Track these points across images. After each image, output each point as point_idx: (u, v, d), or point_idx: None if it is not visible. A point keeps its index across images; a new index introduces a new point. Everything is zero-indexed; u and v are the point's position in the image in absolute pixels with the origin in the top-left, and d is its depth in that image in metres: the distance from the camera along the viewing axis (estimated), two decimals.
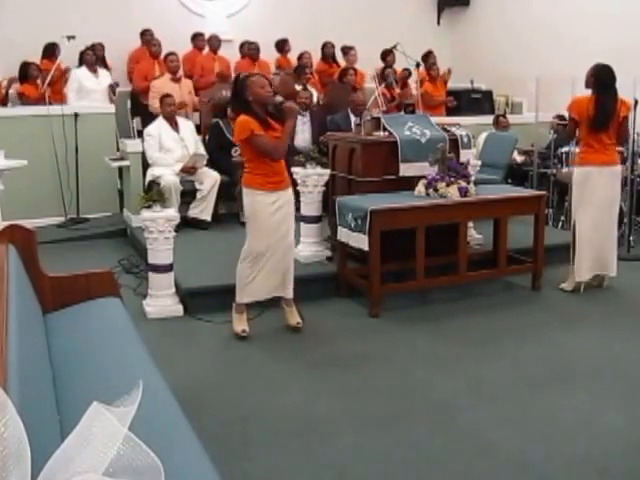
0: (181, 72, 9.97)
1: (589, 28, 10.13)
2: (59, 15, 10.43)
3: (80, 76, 9.58)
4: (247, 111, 5.15)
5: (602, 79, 6.15)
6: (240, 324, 5.45)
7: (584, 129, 6.24)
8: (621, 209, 7.78)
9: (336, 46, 11.25)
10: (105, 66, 10.34)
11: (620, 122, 6.31)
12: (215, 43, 10.83)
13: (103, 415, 1.72)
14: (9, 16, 10.45)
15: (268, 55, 11.23)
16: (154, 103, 9.13)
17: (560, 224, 8.57)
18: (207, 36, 10.90)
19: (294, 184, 6.61)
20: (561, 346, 5.27)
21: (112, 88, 9.75)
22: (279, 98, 5.17)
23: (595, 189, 6.29)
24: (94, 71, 9.70)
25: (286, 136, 5.18)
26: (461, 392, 4.52)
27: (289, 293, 5.50)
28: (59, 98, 9.56)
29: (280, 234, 5.29)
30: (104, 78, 9.82)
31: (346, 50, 11.12)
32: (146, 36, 10.66)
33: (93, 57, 9.74)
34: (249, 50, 10.93)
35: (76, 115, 8.68)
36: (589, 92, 6.26)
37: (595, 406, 4.32)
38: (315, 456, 3.76)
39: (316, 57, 11.23)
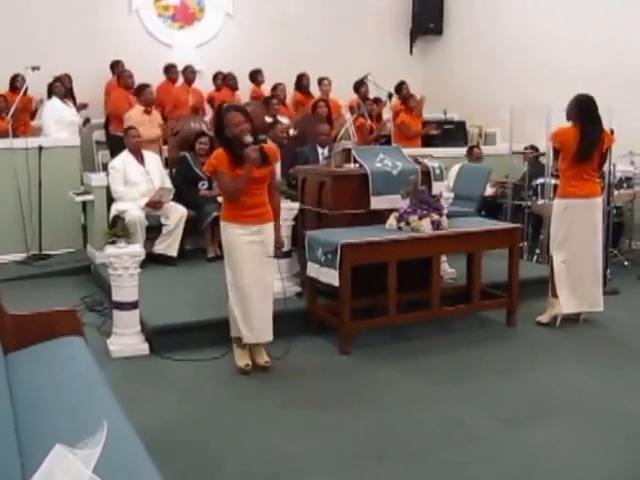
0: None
1: (564, 57, 10.17)
2: (26, 46, 10.31)
3: (57, 107, 9.46)
4: (225, 146, 5.11)
5: (586, 110, 6.12)
6: (242, 359, 5.33)
7: (568, 160, 6.16)
8: None
9: (309, 77, 11.22)
10: (72, 98, 10.22)
11: (603, 153, 6.31)
12: (190, 75, 10.78)
13: (66, 458, 1.63)
14: None
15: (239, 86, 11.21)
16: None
17: (535, 257, 8.49)
18: (181, 67, 10.84)
19: None
20: (538, 382, 5.18)
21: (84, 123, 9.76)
22: (248, 139, 5.05)
23: (578, 221, 6.24)
24: (65, 102, 9.63)
25: (243, 180, 5.02)
26: (437, 430, 4.41)
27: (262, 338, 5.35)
28: (24, 130, 9.43)
29: (256, 270, 5.14)
30: (74, 110, 9.78)
31: (320, 80, 11.10)
32: (118, 67, 10.58)
33: (62, 89, 9.64)
34: (228, 81, 10.90)
35: (40, 148, 8.48)
36: (568, 122, 6.23)
37: (576, 442, 4.24)
38: None
39: (290, 88, 11.18)
